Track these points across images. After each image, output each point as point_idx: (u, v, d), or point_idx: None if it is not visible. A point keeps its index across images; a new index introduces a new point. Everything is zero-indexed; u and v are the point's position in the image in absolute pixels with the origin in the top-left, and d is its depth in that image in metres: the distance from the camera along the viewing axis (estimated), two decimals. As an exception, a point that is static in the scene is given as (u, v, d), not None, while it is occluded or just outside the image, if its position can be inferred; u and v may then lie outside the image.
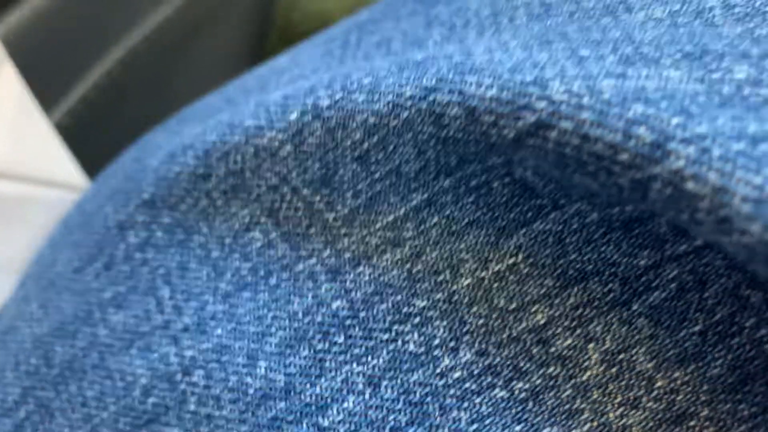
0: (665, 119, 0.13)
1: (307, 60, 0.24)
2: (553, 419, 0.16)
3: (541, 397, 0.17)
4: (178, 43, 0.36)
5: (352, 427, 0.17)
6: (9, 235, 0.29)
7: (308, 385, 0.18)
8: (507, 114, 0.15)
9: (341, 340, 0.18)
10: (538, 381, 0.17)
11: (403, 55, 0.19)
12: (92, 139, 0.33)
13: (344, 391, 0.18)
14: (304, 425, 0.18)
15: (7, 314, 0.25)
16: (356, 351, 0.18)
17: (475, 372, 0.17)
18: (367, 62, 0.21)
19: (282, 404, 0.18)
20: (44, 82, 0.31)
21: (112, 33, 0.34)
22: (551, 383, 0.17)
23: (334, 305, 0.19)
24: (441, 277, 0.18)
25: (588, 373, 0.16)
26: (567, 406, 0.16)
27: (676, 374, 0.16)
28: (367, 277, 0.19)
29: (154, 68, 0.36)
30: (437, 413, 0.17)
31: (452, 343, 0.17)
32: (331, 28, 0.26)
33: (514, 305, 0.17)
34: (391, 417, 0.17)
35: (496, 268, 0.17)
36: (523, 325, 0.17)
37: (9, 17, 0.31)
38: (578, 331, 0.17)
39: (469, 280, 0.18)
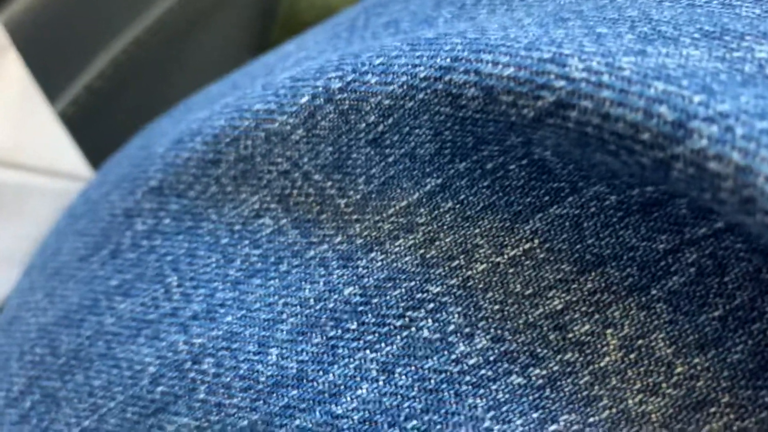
0: (687, 97, 0.13)
1: (314, 44, 0.24)
2: (571, 406, 0.16)
3: (558, 383, 0.16)
4: (182, 32, 0.36)
5: (366, 415, 0.17)
6: (12, 225, 0.29)
7: (321, 373, 0.18)
8: (526, 93, 0.15)
9: (354, 326, 0.18)
10: (556, 367, 0.16)
11: (413, 34, 0.18)
12: (96, 128, 0.33)
13: (358, 379, 0.18)
14: (317, 413, 0.18)
15: (11, 304, 0.25)
16: (369, 338, 0.18)
17: (491, 358, 0.17)
18: (376, 42, 0.21)
19: (294, 392, 0.18)
20: (48, 71, 0.31)
21: (117, 22, 0.34)
22: (569, 370, 0.16)
23: (347, 291, 0.18)
24: (455, 263, 0.18)
25: (606, 359, 0.16)
26: (585, 393, 0.16)
27: (696, 360, 0.16)
28: (379, 263, 0.18)
29: (159, 57, 0.35)
30: (453, 400, 0.17)
31: (467, 329, 0.17)
32: (337, 15, 0.25)
33: (530, 291, 0.17)
34: (406, 404, 0.17)
35: (512, 254, 0.17)
36: (540, 310, 0.17)
37: (13, 6, 0.30)
38: (596, 316, 0.16)
39: (484, 266, 0.17)
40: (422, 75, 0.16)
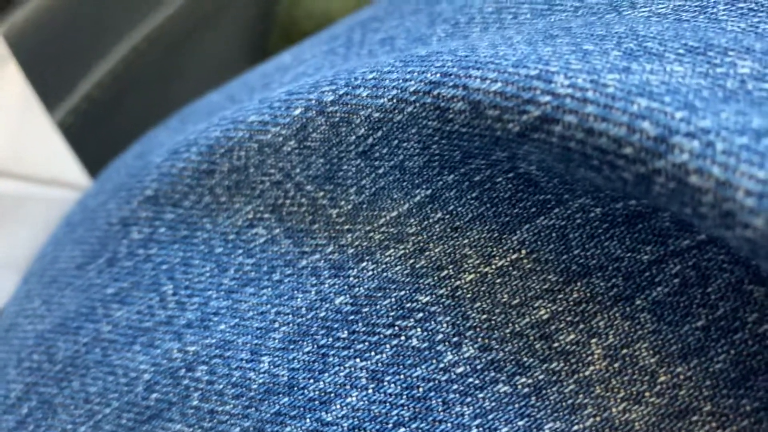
0: (669, 113, 0.13)
1: (311, 58, 0.24)
2: (556, 414, 0.16)
3: (544, 392, 0.17)
4: (180, 41, 0.36)
5: (356, 422, 0.17)
6: (11, 233, 0.29)
7: (311, 381, 0.18)
8: (511, 108, 0.15)
9: (344, 335, 0.18)
10: (541, 376, 0.17)
11: (407, 52, 0.19)
12: (95, 137, 0.33)
13: (347, 387, 0.18)
14: (308, 420, 0.18)
15: (9, 311, 0.25)
16: (359, 346, 0.18)
17: (478, 367, 0.17)
18: (371, 59, 0.21)
19: (285, 399, 0.18)
20: (47, 81, 0.31)
21: (115, 32, 0.34)
22: (554, 378, 0.17)
23: (338, 301, 0.19)
24: (444, 273, 0.18)
25: (591, 368, 0.16)
26: (570, 402, 0.16)
27: (679, 369, 0.16)
28: (370, 273, 0.19)
29: (157, 67, 0.36)
30: (440, 408, 0.17)
31: (455, 339, 0.17)
32: (334, 26, 0.26)
33: (517, 300, 0.17)
34: (394, 412, 0.17)
35: (500, 264, 0.17)
36: (526, 320, 0.17)
37: (12, 16, 0.31)
38: (581, 326, 0.17)
39: (472, 276, 0.18)
40: (412, 89, 0.17)
